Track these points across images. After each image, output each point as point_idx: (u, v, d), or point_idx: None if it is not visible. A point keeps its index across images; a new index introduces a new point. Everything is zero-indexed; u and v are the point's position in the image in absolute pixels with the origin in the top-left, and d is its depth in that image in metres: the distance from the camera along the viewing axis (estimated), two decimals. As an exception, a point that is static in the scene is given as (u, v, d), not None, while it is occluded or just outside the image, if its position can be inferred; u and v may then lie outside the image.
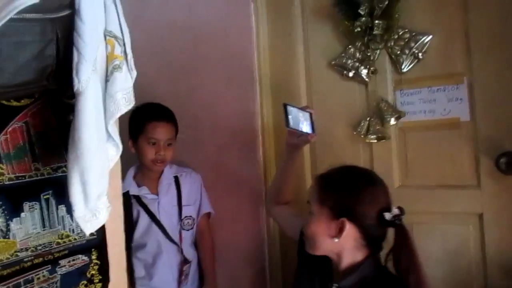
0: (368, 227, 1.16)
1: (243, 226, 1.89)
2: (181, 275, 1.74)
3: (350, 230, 1.15)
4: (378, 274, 1.18)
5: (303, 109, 1.48)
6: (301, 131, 1.44)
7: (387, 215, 1.14)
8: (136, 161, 1.81)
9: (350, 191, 1.18)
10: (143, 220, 1.75)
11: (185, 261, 1.76)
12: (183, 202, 1.80)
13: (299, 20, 1.80)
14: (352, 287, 1.17)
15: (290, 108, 1.40)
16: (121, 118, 0.93)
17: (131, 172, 1.80)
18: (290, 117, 1.39)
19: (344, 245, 1.18)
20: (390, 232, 1.18)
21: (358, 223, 1.16)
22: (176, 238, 1.76)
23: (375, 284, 1.16)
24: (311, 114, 1.49)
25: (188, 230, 1.80)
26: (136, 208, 1.75)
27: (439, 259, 1.56)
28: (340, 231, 1.16)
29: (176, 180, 1.82)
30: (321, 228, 1.19)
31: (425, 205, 1.57)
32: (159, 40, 2.03)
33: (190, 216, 1.81)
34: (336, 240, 1.16)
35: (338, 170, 1.26)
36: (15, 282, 0.85)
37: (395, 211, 1.15)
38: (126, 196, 1.70)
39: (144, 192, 1.76)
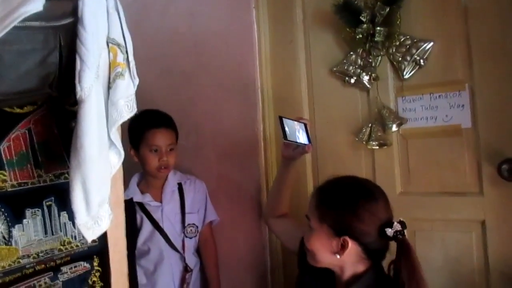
0: (369, 243, 1.15)
1: (244, 234, 1.88)
2: (183, 283, 1.74)
3: (352, 247, 1.14)
4: (380, 283, 1.18)
5: (297, 120, 1.48)
6: (299, 142, 1.44)
7: (389, 231, 1.12)
8: (139, 168, 1.81)
9: (348, 208, 1.15)
10: (146, 227, 1.74)
11: (186, 269, 1.75)
12: (186, 210, 1.79)
13: (300, 27, 1.81)
14: None
15: (286, 120, 1.40)
16: (122, 126, 0.93)
17: (135, 179, 1.80)
18: (287, 129, 1.39)
19: (346, 260, 1.17)
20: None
21: (359, 240, 1.14)
22: (179, 246, 1.76)
23: None
24: (306, 125, 1.49)
25: (191, 238, 1.80)
26: (139, 215, 1.75)
27: (441, 266, 1.55)
28: (342, 248, 1.14)
29: (180, 187, 1.82)
30: (322, 244, 1.18)
31: (427, 212, 1.57)
32: (160, 48, 2.04)
33: (193, 224, 1.80)
34: (338, 256, 1.15)
35: (336, 183, 1.24)
36: (17, 289, 0.85)
37: (397, 226, 1.13)
38: (130, 203, 1.70)
39: (147, 199, 1.76)
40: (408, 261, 1.12)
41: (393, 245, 1.16)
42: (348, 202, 1.16)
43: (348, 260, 1.17)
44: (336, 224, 1.15)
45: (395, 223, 1.13)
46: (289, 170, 1.55)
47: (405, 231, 1.14)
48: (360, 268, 1.18)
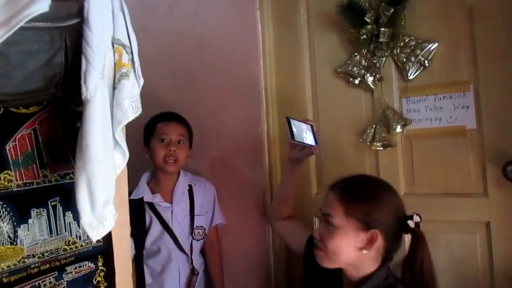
0: (391, 235, 1.17)
1: (248, 234, 1.88)
2: (189, 285, 1.73)
3: (379, 240, 1.15)
4: (390, 283, 1.18)
5: (304, 121, 1.48)
6: (306, 143, 1.44)
7: (411, 223, 1.15)
8: (146, 168, 1.81)
9: (376, 200, 1.18)
10: (155, 227, 1.73)
11: (193, 272, 1.75)
12: (195, 212, 1.79)
13: (304, 27, 1.81)
14: None
15: (293, 121, 1.40)
16: (127, 126, 0.93)
17: (144, 177, 1.79)
18: (294, 130, 1.39)
19: (365, 257, 1.17)
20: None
21: (384, 233, 1.16)
22: (186, 248, 1.75)
23: None
24: (312, 126, 1.49)
25: (198, 240, 1.80)
26: (149, 215, 1.74)
27: (445, 268, 1.54)
28: (370, 242, 1.15)
29: (190, 189, 1.81)
30: (348, 241, 1.16)
31: (431, 213, 1.55)
32: (164, 48, 2.04)
33: (202, 226, 1.80)
34: (365, 251, 1.16)
35: (358, 179, 1.26)
36: (22, 289, 0.85)
37: (417, 218, 1.17)
38: (140, 203, 1.70)
39: (157, 200, 1.75)
40: (424, 251, 1.15)
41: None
42: (375, 195, 1.19)
43: (368, 256, 1.17)
44: (365, 217, 1.15)
45: (414, 215, 1.17)
46: (295, 172, 1.55)
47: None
48: (371, 268, 1.19)
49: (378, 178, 1.31)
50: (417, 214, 1.17)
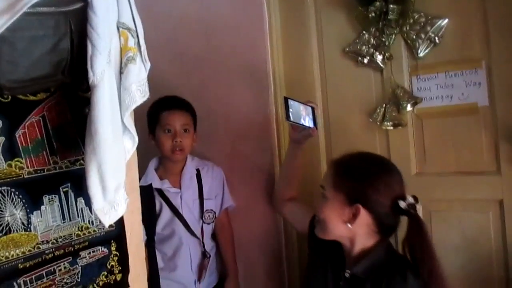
0: (381, 214, 1.17)
1: (258, 216, 1.89)
2: (202, 268, 1.75)
3: (364, 216, 1.16)
4: (389, 258, 1.19)
5: (305, 103, 1.47)
6: (302, 125, 1.43)
7: (402, 204, 1.14)
8: (154, 153, 1.81)
9: (365, 177, 1.18)
10: (165, 213, 1.75)
11: (205, 255, 1.77)
12: (204, 196, 1.79)
13: (311, 8, 1.78)
14: (364, 272, 1.18)
15: (291, 102, 1.40)
16: (136, 111, 0.93)
17: (152, 164, 1.80)
18: (290, 110, 1.39)
19: (356, 231, 1.19)
20: (404, 219, 1.18)
21: (372, 210, 1.16)
22: (197, 232, 1.76)
23: (386, 268, 1.16)
24: (313, 109, 1.48)
25: (209, 224, 1.81)
26: (158, 201, 1.75)
27: (458, 247, 1.54)
28: (354, 216, 1.17)
29: (198, 173, 1.82)
30: (335, 213, 1.19)
31: (443, 192, 1.55)
32: (171, 32, 2.02)
33: (211, 209, 1.81)
34: (349, 225, 1.17)
35: (354, 156, 1.26)
36: (38, 274, 0.86)
37: (410, 199, 1.15)
38: (149, 189, 1.71)
39: (166, 186, 1.76)
40: (420, 237, 1.13)
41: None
42: (365, 172, 1.19)
43: (359, 232, 1.19)
44: (351, 193, 1.17)
45: (409, 196, 1.16)
46: (296, 154, 1.56)
47: (418, 207, 1.16)
48: (369, 242, 1.20)
49: (379, 157, 1.30)
50: (413, 196, 1.16)
